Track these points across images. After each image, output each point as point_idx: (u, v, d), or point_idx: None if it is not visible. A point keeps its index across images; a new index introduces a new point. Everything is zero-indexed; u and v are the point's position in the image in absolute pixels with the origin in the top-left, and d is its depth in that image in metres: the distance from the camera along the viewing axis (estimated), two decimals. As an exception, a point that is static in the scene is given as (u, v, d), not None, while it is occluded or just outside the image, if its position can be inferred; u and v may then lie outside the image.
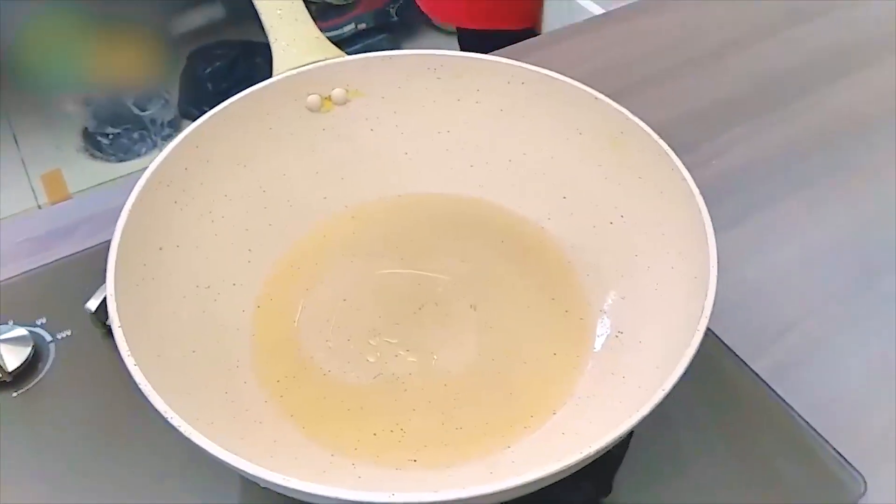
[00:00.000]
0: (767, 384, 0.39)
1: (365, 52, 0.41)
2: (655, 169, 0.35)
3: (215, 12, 1.46)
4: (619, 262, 0.37)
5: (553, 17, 0.84)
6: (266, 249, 0.38)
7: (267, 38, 0.39)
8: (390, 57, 0.39)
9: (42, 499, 0.34)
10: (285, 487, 0.24)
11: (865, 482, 0.35)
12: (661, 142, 0.35)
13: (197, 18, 1.43)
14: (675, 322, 0.32)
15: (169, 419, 0.25)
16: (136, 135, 1.27)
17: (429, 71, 0.40)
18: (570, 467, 0.25)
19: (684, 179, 0.33)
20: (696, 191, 0.33)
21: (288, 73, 0.38)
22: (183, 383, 0.30)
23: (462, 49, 1.05)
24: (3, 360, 0.37)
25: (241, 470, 0.24)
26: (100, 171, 1.28)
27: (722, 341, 0.40)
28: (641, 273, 0.35)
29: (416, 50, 0.40)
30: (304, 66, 0.39)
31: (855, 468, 0.36)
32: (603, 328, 0.36)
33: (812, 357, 0.41)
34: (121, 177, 1.27)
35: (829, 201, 0.50)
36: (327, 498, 0.24)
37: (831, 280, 0.45)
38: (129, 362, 0.26)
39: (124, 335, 0.27)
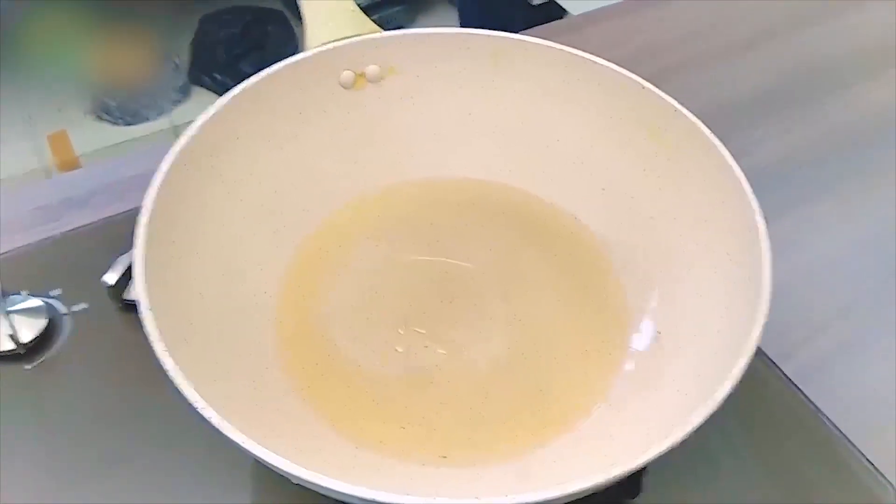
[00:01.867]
0: (797, 386, 0.38)
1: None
2: (703, 164, 0.34)
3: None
4: (658, 259, 0.36)
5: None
6: (293, 230, 0.37)
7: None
8: (429, 35, 0.38)
9: (51, 475, 0.33)
10: (319, 486, 0.23)
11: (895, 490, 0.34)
12: (713, 136, 0.33)
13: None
14: (718, 327, 0.31)
15: (200, 409, 0.24)
16: (144, 99, 1.25)
17: (468, 51, 0.38)
18: (617, 477, 0.24)
19: (736, 178, 0.32)
20: (749, 190, 0.31)
21: (323, 48, 0.37)
22: (210, 370, 0.29)
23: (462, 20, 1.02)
24: (16, 331, 0.36)
25: (277, 467, 0.24)
26: (108, 133, 1.25)
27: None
28: (682, 272, 0.34)
29: (456, 28, 0.38)
30: (338, 40, 0.37)
31: (884, 475, 0.35)
32: (640, 328, 0.35)
33: (841, 359, 0.41)
34: (128, 141, 1.24)
35: (859, 201, 0.49)
36: (363, 499, 0.23)
37: (861, 281, 0.45)
38: (159, 348, 0.25)
39: (154, 319, 0.26)
